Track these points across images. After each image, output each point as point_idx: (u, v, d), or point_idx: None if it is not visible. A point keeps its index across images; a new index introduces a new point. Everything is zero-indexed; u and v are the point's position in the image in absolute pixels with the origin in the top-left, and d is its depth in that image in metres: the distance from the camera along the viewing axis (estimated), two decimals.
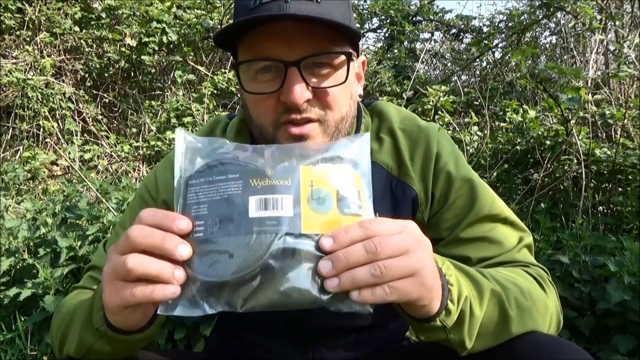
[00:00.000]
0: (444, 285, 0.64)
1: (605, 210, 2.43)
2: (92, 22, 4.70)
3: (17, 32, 4.52)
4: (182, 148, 0.65)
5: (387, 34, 5.67)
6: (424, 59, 5.21)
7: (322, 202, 0.60)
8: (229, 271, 0.58)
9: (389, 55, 5.41)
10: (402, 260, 0.57)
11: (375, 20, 5.81)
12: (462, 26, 5.61)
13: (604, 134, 2.79)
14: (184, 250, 0.58)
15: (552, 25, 5.01)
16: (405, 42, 5.40)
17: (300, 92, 0.77)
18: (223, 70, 4.56)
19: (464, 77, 5.42)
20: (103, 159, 4.26)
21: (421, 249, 0.60)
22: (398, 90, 4.22)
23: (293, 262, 0.58)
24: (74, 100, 4.57)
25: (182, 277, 0.58)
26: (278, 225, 0.58)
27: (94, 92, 4.85)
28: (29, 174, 3.80)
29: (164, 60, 4.74)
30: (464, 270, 0.72)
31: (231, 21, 0.81)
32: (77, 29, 4.65)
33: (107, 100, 4.92)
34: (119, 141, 4.54)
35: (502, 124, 3.17)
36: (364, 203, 0.62)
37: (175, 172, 0.64)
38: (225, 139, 0.66)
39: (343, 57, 0.81)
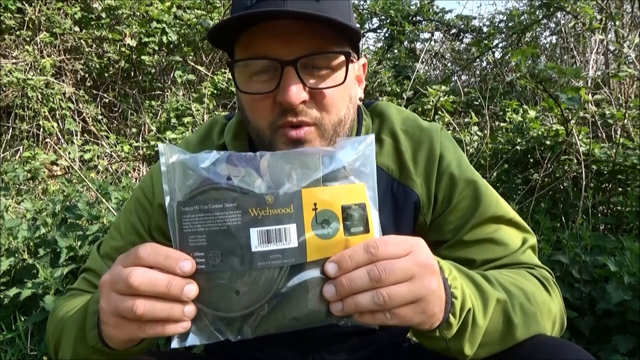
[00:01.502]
0: (448, 299, 0.64)
1: (605, 210, 2.42)
2: (92, 22, 4.70)
3: (17, 32, 4.51)
4: (167, 166, 0.60)
5: (387, 34, 5.67)
6: (424, 59, 5.20)
7: (327, 225, 0.58)
8: (237, 308, 0.57)
9: (389, 55, 5.41)
10: (406, 287, 0.57)
11: (375, 20, 5.82)
12: (462, 26, 5.61)
13: (604, 134, 2.78)
14: (190, 291, 0.57)
15: (552, 25, 5.01)
16: (405, 42, 5.40)
17: (297, 93, 0.74)
18: (223, 70, 4.56)
19: (464, 77, 5.41)
20: (103, 159, 4.26)
21: (427, 274, 0.59)
22: (398, 90, 4.22)
23: (299, 292, 0.57)
24: (74, 100, 4.57)
25: (193, 314, 0.58)
26: (283, 258, 0.56)
27: (94, 92, 4.85)
28: (29, 174, 3.80)
29: (164, 60, 4.74)
30: (471, 278, 0.71)
31: None
32: (77, 29, 4.64)
33: (107, 100, 4.92)
34: (119, 141, 4.54)
35: (502, 124, 3.17)
36: (369, 217, 0.60)
37: (164, 193, 0.60)
38: (214, 150, 0.61)
39: (342, 58, 0.79)
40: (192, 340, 0.59)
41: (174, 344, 0.59)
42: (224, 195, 0.57)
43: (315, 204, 0.57)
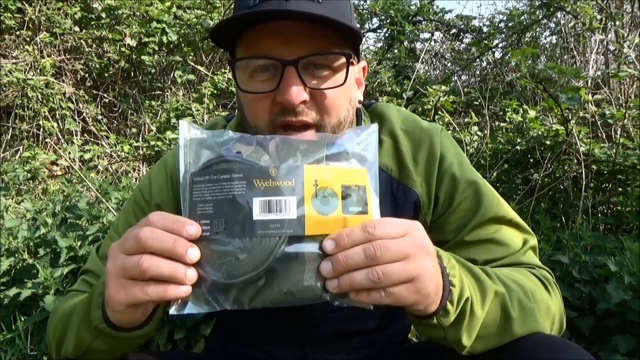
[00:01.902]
0: (445, 286, 0.64)
1: (605, 210, 2.42)
2: (92, 22, 4.70)
3: (17, 32, 4.51)
4: (185, 140, 0.65)
5: (387, 34, 5.67)
6: (424, 59, 5.20)
7: (327, 202, 0.60)
8: (236, 274, 0.59)
9: (389, 55, 5.40)
10: (401, 265, 0.58)
11: (375, 20, 5.82)
12: (462, 26, 5.61)
13: (604, 134, 2.78)
14: (193, 254, 0.58)
15: (552, 25, 5.01)
16: (405, 42, 5.40)
17: (297, 93, 0.75)
18: (223, 70, 4.56)
19: (464, 77, 5.41)
20: (103, 159, 4.26)
21: (422, 254, 0.60)
22: (398, 90, 4.22)
23: (296, 264, 0.59)
24: (74, 100, 4.57)
25: (194, 278, 0.59)
26: (282, 228, 0.58)
27: (94, 92, 4.85)
28: (29, 174, 3.80)
29: (164, 60, 4.74)
30: (470, 269, 0.72)
31: None
32: (77, 29, 4.64)
33: (107, 100, 4.92)
34: (119, 141, 4.54)
35: (502, 124, 3.17)
36: (369, 200, 0.62)
37: (180, 166, 0.64)
38: (229, 130, 0.65)
39: (343, 59, 0.79)
40: (190, 308, 0.61)
41: (172, 311, 0.60)
42: (233, 167, 0.61)
43: (316, 181, 0.60)
